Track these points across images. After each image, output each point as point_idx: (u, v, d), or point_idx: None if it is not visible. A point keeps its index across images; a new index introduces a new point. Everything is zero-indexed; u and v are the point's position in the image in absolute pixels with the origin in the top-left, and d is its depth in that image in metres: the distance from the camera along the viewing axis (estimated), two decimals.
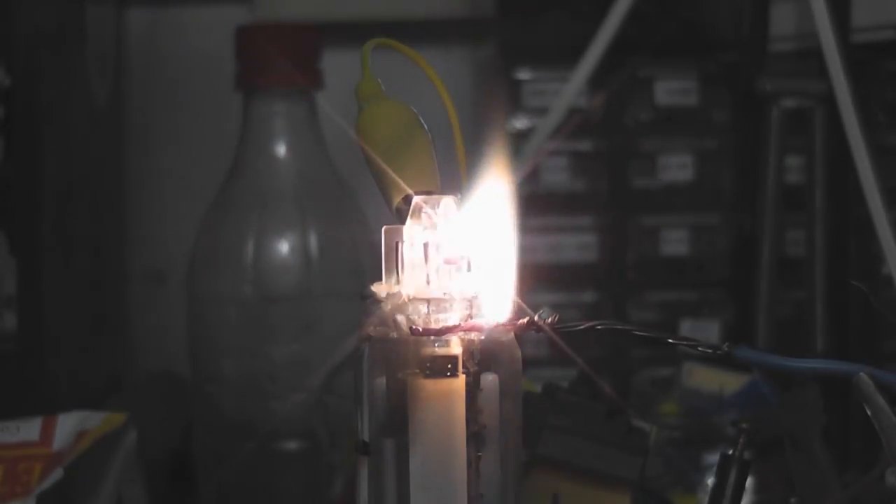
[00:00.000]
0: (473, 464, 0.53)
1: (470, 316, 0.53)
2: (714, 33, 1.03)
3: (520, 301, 0.54)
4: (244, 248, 0.90)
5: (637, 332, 0.58)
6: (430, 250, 0.54)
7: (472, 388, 0.53)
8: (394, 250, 0.55)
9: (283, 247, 0.90)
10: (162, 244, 1.15)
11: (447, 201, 0.55)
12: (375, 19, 1.11)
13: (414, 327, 0.53)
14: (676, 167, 1.03)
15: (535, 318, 0.54)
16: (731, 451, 0.65)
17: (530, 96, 1.02)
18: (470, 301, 0.54)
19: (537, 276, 0.99)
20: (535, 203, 1.00)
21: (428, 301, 0.54)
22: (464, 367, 0.53)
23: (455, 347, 0.53)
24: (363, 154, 0.59)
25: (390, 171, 0.57)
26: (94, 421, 0.73)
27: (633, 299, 1.03)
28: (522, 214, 0.55)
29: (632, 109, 1.02)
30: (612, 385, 0.91)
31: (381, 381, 0.54)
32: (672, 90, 1.03)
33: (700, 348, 0.58)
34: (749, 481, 0.66)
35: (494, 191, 0.55)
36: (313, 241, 0.90)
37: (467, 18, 1.11)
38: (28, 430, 0.73)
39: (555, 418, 0.67)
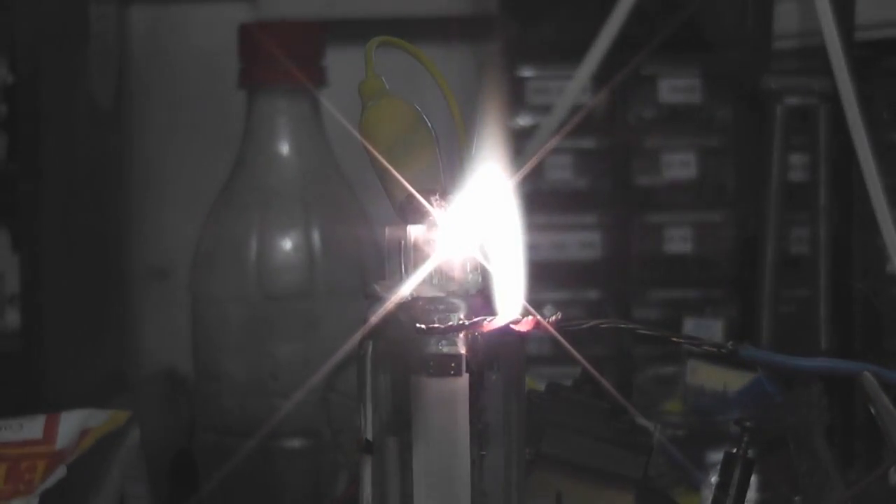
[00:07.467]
0: (477, 462, 0.53)
1: (474, 314, 0.53)
2: (718, 31, 1.02)
3: (525, 300, 0.54)
4: (247, 246, 0.90)
5: (641, 331, 0.58)
6: (434, 249, 0.54)
7: (476, 387, 0.53)
8: (397, 248, 0.55)
9: (287, 245, 0.90)
10: (165, 242, 1.14)
11: (450, 199, 0.55)
12: (378, 17, 1.11)
13: (418, 326, 0.53)
14: (680, 165, 1.03)
15: (539, 316, 0.54)
16: (734, 450, 0.65)
17: (534, 94, 1.01)
18: (474, 299, 0.54)
19: (541, 274, 0.99)
20: (538, 200, 1.00)
21: (432, 300, 0.53)
22: (467, 365, 0.53)
23: (460, 346, 0.53)
24: (366, 152, 0.59)
25: (393, 170, 0.57)
26: (97, 419, 0.73)
27: (637, 297, 1.03)
28: (526, 212, 0.55)
29: (635, 107, 1.02)
30: (616, 383, 0.91)
31: (385, 380, 0.54)
32: (676, 88, 1.02)
33: (704, 347, 0.58)
34: (753, 480, 0.66)
35: (497, 187, 0.55)
36: (317, 238, 0.90)
37: (471, 16, 1.11)
38: (31, 428, 0.73)
39: (558, 417, 0.67)
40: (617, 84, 0.98)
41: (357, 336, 0.55)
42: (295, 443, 0.90)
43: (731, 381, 0.84)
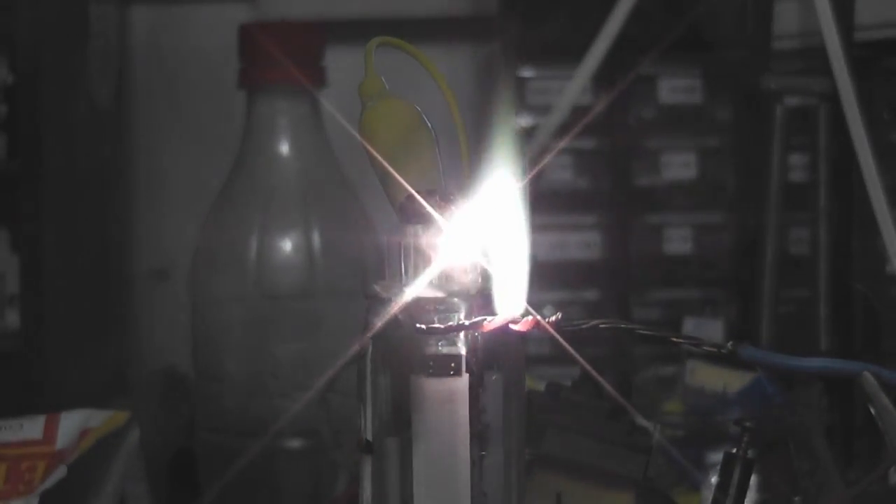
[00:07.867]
0: (477, 463, 0.53)
1: (474, 314, 0.53)
2: (718, 31, 1.03)
3: (524, 300, 0.54)
4: (247, 246, 0.90)
5: (641, 331, 0.58)
6: (434, 249, 0.54)
7: (476, 387, 0.53)
8: (397, 249, 0.55)
9: (287, 245, 0.90)
10: (165, 242, 1.15)
11: (451, 200, 0.55)
12: (378, 17, 1.11)
13: (418, 326, 0.53)
14: (680, 165, 1.03)
15: (539, 317, 0.54)
16: (734, 450, 0.65)
17: (534, 94, 1.02)
18: (474, 299, 0.54)
19: (541, 274, 0.99)
20: (538, 201, 0.99)
21: (432, 300, 0.53)
22: (467, 365, 0.53)
23: (460, 346, 0.53)
24: (366, 152, 0.59)
25: (393, 170, 0.57)
26: (97, 419, 0.73)
27: (637, 297, 1.03)
28: (526, 212, 0.55)
29: (635, 107, 1.02)
30: (615, 384, 0.91)
31: (385, 380, 0.54)
32: (676, 88, 1.03)
33: (704, 347, 0.58)
34: (752, 480, 0.66)
35: (501, 188, 0.55)
36: (317, 239, 0.90)
37: (471, 16, 1.11)
38: (31, 428, 0.73)
39: (558, 417, 0.67)
40: (618, 85, 0.99)
41: (357, 336, 0.55)
42: (295, 443, 0.90)
43: (730, 381, 0.84)
